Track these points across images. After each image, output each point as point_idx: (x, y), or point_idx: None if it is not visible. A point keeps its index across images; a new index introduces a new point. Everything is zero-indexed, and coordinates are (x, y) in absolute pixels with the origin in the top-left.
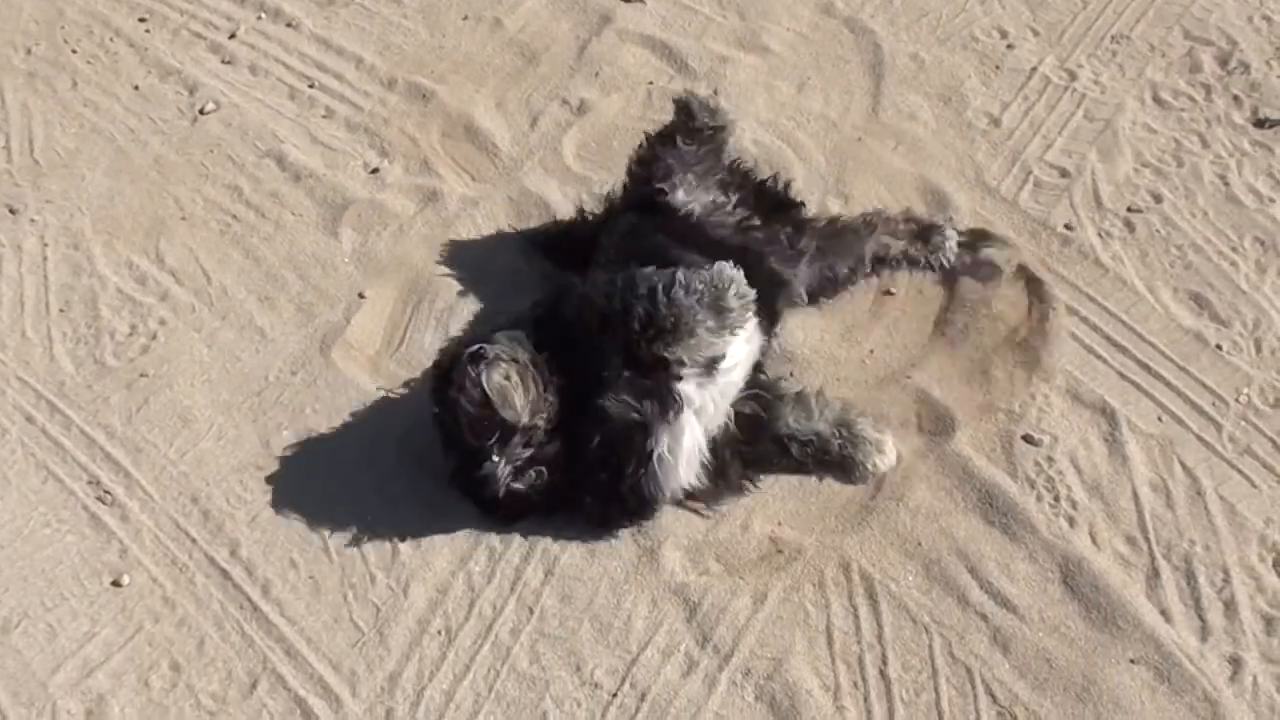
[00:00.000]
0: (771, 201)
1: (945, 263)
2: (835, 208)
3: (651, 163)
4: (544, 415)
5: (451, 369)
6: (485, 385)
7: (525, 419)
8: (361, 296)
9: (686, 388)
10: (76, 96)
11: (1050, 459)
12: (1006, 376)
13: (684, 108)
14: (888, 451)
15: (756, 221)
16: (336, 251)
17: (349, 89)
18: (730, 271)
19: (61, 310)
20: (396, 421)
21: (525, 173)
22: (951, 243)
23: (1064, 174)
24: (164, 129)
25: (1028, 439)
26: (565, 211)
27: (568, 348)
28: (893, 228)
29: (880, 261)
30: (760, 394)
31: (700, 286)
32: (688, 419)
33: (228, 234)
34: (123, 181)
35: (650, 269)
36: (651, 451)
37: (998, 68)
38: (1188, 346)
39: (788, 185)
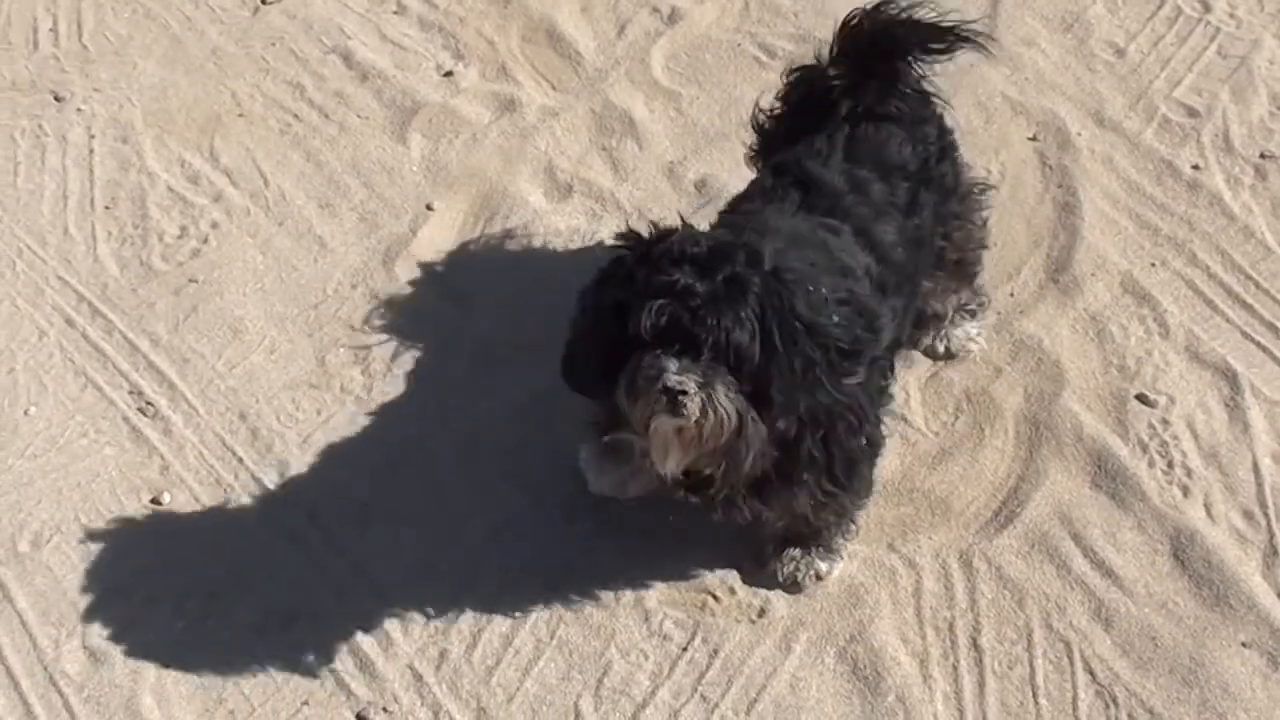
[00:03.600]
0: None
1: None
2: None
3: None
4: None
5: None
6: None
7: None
8: (429, 208)
9: None
10: None
11: (1165, 422)
12: (1121, 330)
13: None
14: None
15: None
16: (404, 159)
17: None
18: None
19: (107, 207)
20: (460, 342)
21: (610, 84)
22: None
23: (1192, 113)
24: (223, 18)
25: (1142, 399)
26: (652, 129)
27: None
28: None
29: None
30: None
31: None
32: None
33: (288, 134)
34: (177, 72)
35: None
36: None
37: None
38: None
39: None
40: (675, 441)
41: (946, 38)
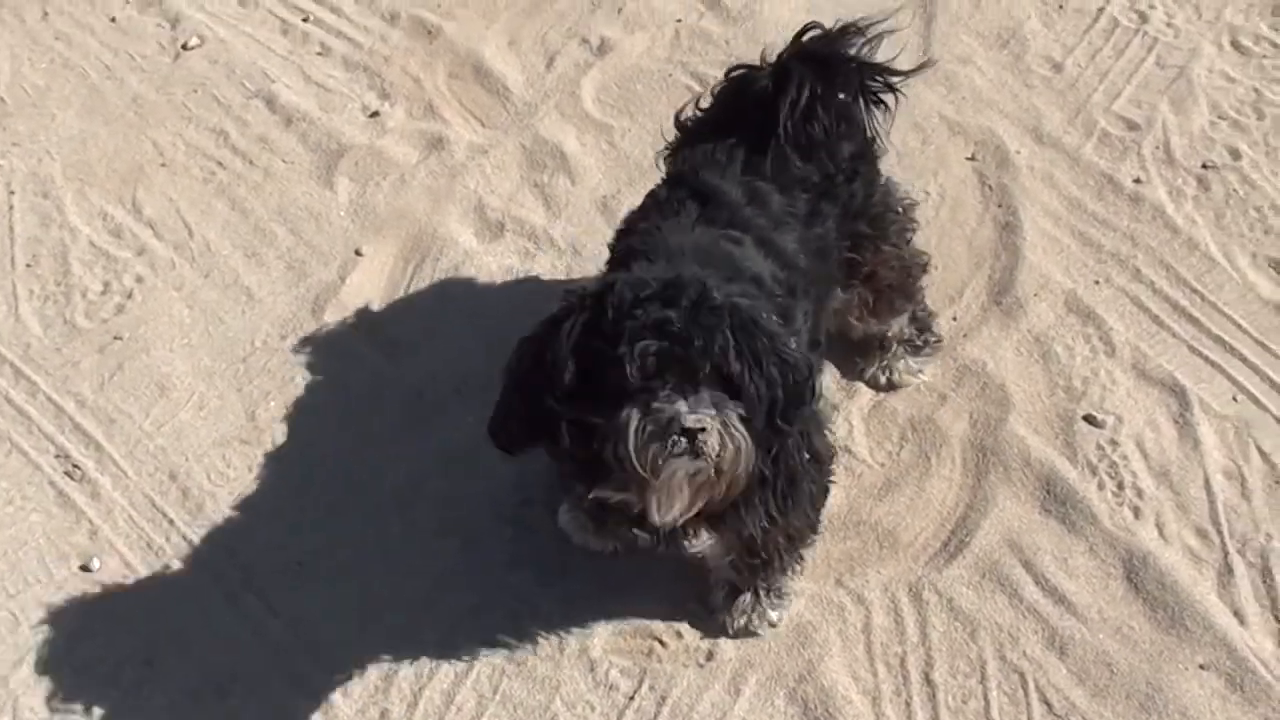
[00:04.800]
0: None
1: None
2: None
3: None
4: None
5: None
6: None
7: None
8: (358, 254)
9: None
10: (47, 28)
11: (1114, 442)
12: (1066, 351)
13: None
14: None
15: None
16: (331, 203)
17: (347, 23)
18: None
19: (29, 265)
20: (395, 390)
21: (540, 119)
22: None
23: (1132, 126)
24: (143, 65)
25: (1090, 420)
26: (584, 163)
27: None
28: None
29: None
30: None
31: None
32: None
33: (212, 182)
34: (97, 123)
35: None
36: None
37: (1061, 7)
38: (1267, 319)
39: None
40: (687, 485)
41: (886, 79)
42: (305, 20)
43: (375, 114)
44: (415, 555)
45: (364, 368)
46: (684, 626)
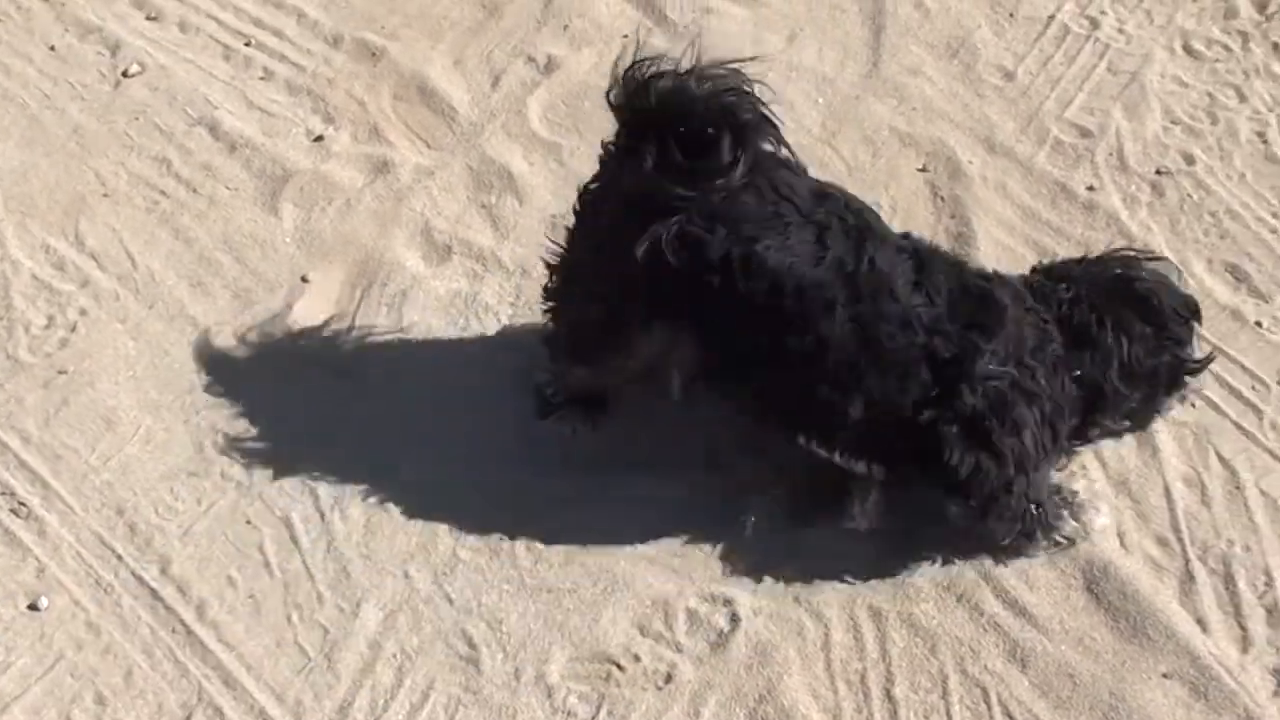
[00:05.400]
0: None
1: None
2: (829, 175)
3: None
4: None
5: None
6: None
7: None
8: (304, 280)
9: None
10: None
11: (1073, 451)
12: None
13: None
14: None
15: None
16: (276, 230)
17: (289, 47)
18: None
19: None
20: (346, 421)
21: (486, 139)
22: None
23: (1085, 133)
24: (84, 94)
25: None
26: (532, 183)
27: None
28: None
29: None
30: None
31: None
32: None
33: (155, 212)
34: (37, 154)
35: None
36: None
37: (1011, 15)
38: (1224, 324)
39: None
40: None
41: None
42: (247, 45)
43: (319, 138)
44: (374, 585)
45: (312, 396)
46: (642, 649)
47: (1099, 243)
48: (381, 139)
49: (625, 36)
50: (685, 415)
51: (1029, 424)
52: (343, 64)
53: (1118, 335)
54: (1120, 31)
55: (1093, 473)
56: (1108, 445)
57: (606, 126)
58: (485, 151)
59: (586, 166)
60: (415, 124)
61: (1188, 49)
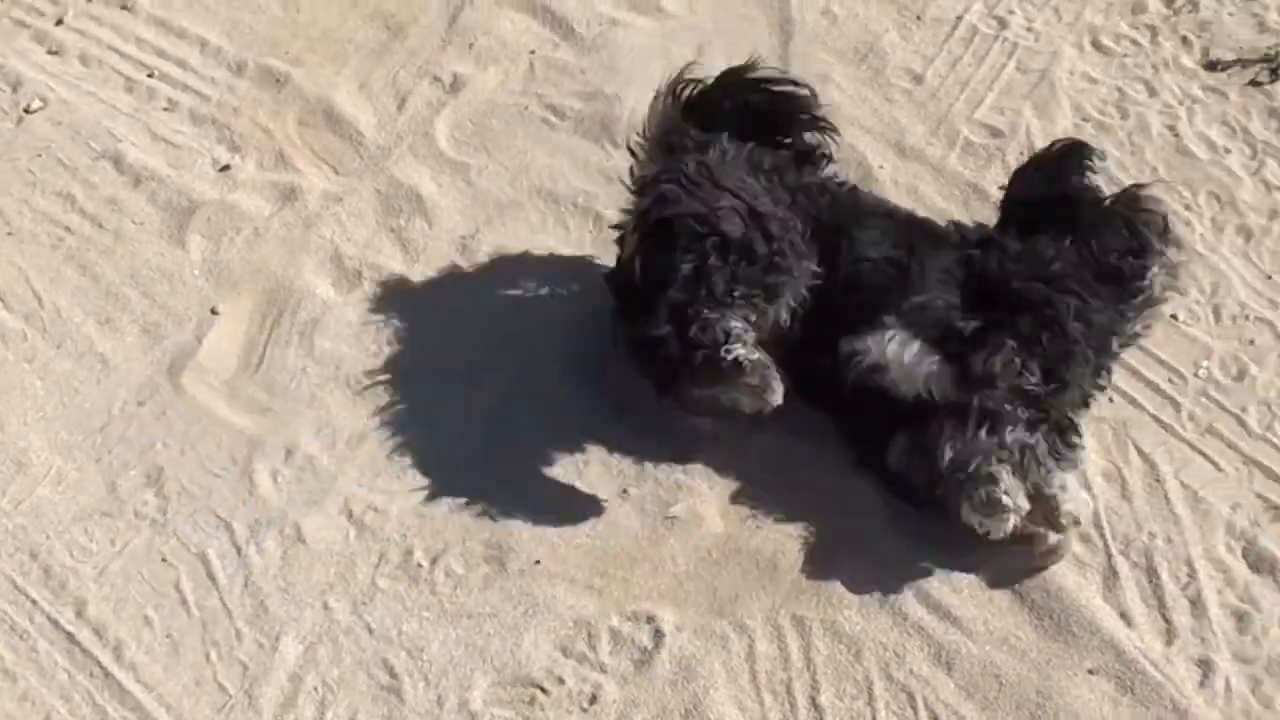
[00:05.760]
0: None
1: None
2: None
3: None
4: None
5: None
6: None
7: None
8: (214, 312)
9: None
10: None
11: None
12: None
13: None
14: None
15: None
16: (184, 263)
17: (193, 77)
18: None
19: None
20: (260, 453)
21: (394, 161)
22: None
23: (996, 133)
24: None
25: None
26: (441, 204)
27: None
28: None
29: None
30: None
31: None
32: None
33: (60, 249)
34: None
35: None
36: None
37: (918, 18)
38: None
39: None
40: None
41: None
42: (150, 76)
43: (226, 168)
44: (292, 616)
45: (225, 429)
46: (566, 671)
47: None
48: (288, 166)
49: (532, 52)
50: (606, 432)
51: None
52: (247, 91)
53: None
54: (1029, 30)
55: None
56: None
57: (515, 144)
58: (393, 174)
59: (496, 185)
60: (322, 149)
61: (1096, 45)
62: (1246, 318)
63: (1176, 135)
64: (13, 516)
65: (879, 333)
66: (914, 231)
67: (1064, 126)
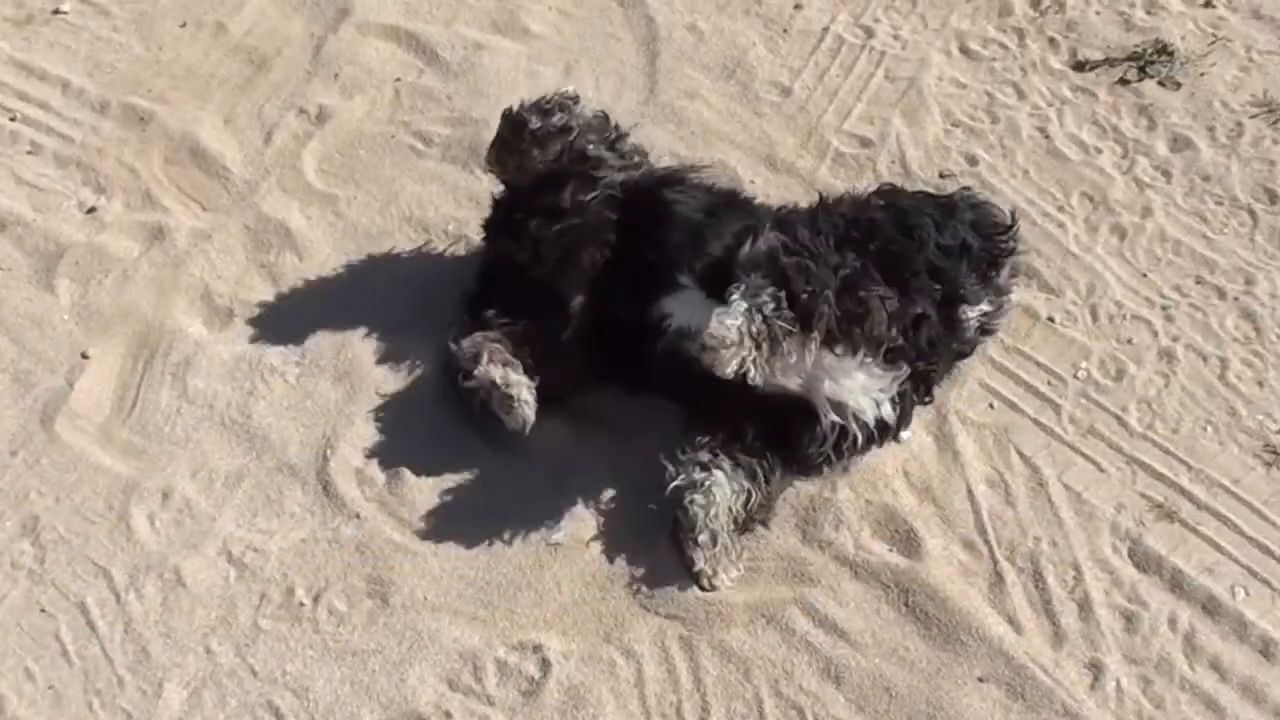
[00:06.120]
0: None
1: None
2: None
3: None
4: None
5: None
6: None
7: None
8: (85, 356)
9: None
10: None
11: (872, 466)
12: None
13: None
14: None
15: None
16: (53, 307)
17: (56, 118)
18: None
19: None
20: (137, 498)
21: (262, 196)
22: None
23: (866, 143)
24: None
25: None
26: (310, 237)
27: None
28: None
29: None
30: None
31: None
32: None
33: None
34: None
35: None
36: None
37: (785, 31)
38: (1016, 321)
39: None
40: None
41: None
42: (13, 119)
43: (92, 209)
44: (174, 663)
45: (100, 474)
46: (453, 705)
47: None
48: (155, 205)
49: (397, 80)
50: (485, 460)
51: None
52: (111, 131)
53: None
54: (895, 38)
55: (895, 482)
56: (909, 456)
57: (384, 173)
58: (262, 209)
59: (365, 216)
60: (189, 187)
61: (964, 50)
62: (1123, 317)
63: (1047, 137)
64: None
65: (678, 292)
66: (720, 198)
67: (934, 133)
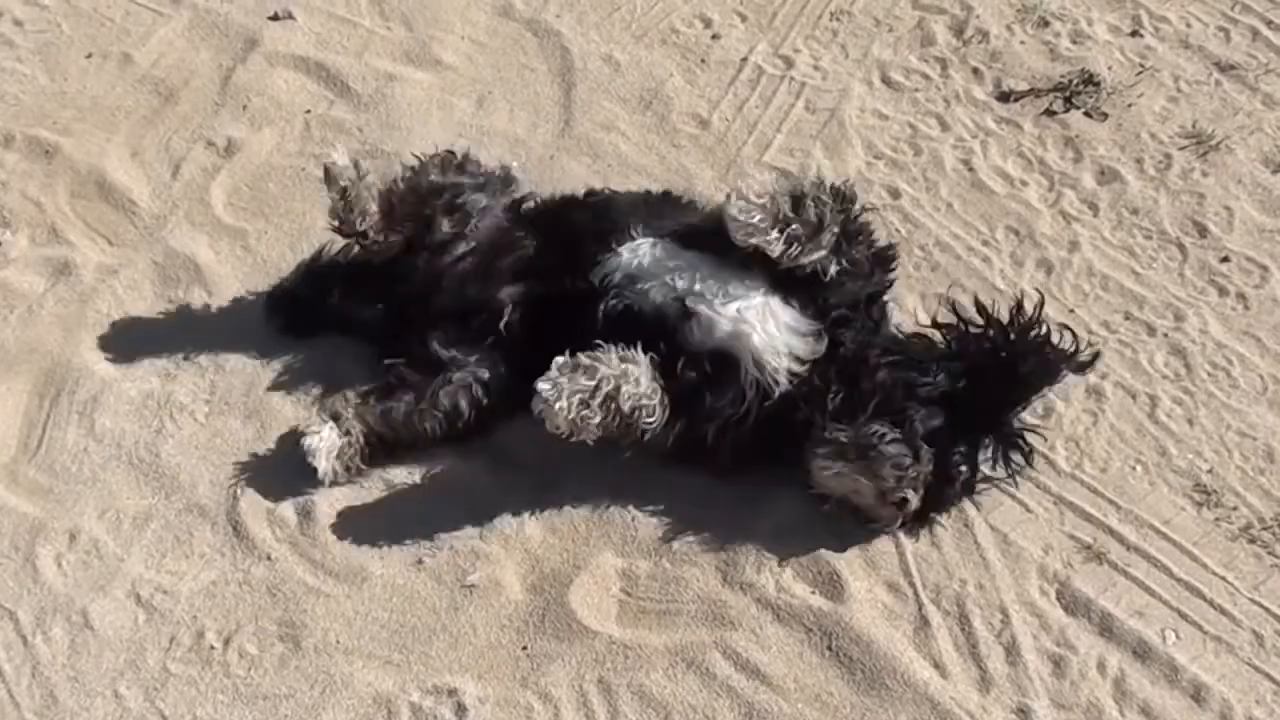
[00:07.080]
0: None
1: None
2: None
3: None
4: None
5: None
6: None
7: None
8: None
9: None
10: None
11: None
12: None
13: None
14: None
15: None
16: None
17: None
18: None
19: None
20: (41, 539)
21: (170, 230)
22: None
23: (787, 175)
24: None
25: None
26: (219, 272)
27: None
28: None
29: None
30: None
31: None
32: None
33: None
34: None
35: None
36: None
37: (703, 62)
38: None
39: None
40: None
41: None
42: None
43: None
44: (77, 711)
45: (6, 515)
46: None
47: None
48: (61, 240)
49: (307, 112)
50: (398, 501)
51: None
52: (15, 164)
53: None
54: (815, 68)
55: (817, 524)
56: None
57: (294, 206)
58: (169, 244)
59: (275, 250)
60: (95, 221)
61: (886, 80)
62: None
63: (971, 170)
64: None
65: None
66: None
67: (855, 165)
